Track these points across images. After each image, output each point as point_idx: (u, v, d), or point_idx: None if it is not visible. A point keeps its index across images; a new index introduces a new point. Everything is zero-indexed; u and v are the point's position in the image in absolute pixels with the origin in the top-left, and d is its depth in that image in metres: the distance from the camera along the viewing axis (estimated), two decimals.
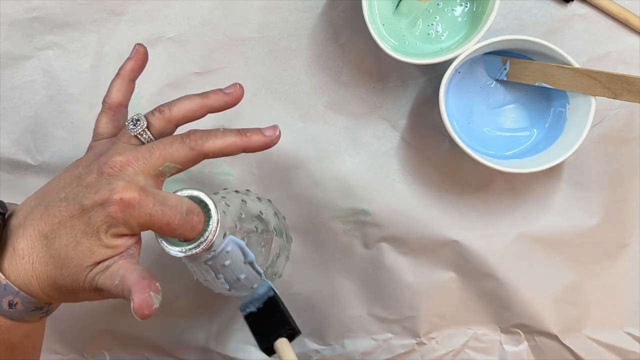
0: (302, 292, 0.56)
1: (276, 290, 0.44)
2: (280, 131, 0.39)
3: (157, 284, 0.34)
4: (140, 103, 0.53)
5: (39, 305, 0.36)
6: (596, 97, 0.47)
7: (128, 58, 0.41)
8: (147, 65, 0.53)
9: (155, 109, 0.38)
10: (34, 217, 0.36)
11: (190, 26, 0.53)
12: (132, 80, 0.41)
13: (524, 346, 0.56)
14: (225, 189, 0.49)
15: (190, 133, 0.37)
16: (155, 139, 0.38)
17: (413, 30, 0.51)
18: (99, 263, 0.36)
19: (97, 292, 0.36)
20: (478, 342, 0.56)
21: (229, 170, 0.54)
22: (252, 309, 0.43)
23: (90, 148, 0.40)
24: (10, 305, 0.35)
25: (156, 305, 0.33)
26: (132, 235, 0.36)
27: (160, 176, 0.37)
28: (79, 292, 0.36)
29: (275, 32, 0.53)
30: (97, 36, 0.53)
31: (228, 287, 0.45)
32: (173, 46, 0.53)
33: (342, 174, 0.54)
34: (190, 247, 0.37)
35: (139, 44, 0.41)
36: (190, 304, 0.57)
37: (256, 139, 0.38)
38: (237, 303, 0.50)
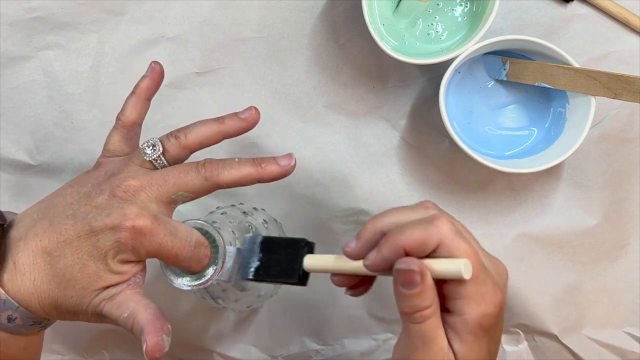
0: (302, 292, 0.56)
1: (261, 234, 0.41)
2: (295, 160, 0.38)
3: (169, 325, 0.35)
4: None
5: (37, 320, 0.36)
6: (596, 97, 0.47)
7: (144, 76, 0.40)
8: (147, 65, 0.53)
9: (171, 134, 0.38)
10: (36, 231, 0.35)
11: (190, 26, 0.53)
12: (148, 99, 0.40)
13: (523, 346, 0.56)
14: (218, 207, 0.49)
15: (206, 163, 0.37)
16: (170, 164, 0.37)
17: (413, 30, 0.51)
18: (105, 288, 0.35)
19: (100, 318, 0.36)
20: None
21: None
22: (255, 264, 0.39)
23: (99, 164, 0.39)
24: (9, 319, 0.35)
25: (166, 349, 0.34)
26: (138, 262, 0.36)
27: (172, 204, 0.37)
28: (80, 314, 0.36)
29: (275, 32, 0.53)
30: (97, 36, 0.53)
31: (224, 307, 0.46)
32: (173, 46, 0.53)
33: (342, 174, 0.54)
34: (194, 283, 0.37)
35: (154, 62, 0.40)
36: (190, 305, 0.57)
37: (271, 170, 0.37)
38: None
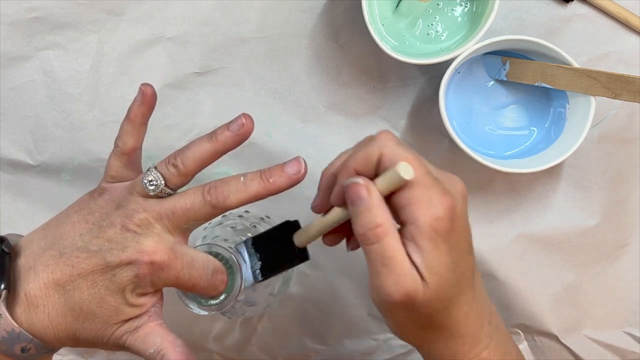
0: (302, 292, 0.56)
1: (249, 236, 0.42)
2: (305, 164, 0.37)
3: None
4: None
5: (51, 347, 0.36)
6: (596, 97, 0.47)
7: (135, 101, 0.38)
8: (147, 66, 0.53)
9: (169, 162, 0.36)
10: (46, 262, 0.35)
11: (190, 26, 0.53)
12: (144, 124, 0.39)
13: (523, 346, 0.56)
14: (224, 215, 0.49)
15: (211, 189, 0.36)
16: (174, 191, 0.37)
17: (413, 30, 0.51)
18: (126, 321, 0.35)
19: (122, 348, 0.36)
20: None
21: (229, 170, 0.54)
22: (258, 266, 0.40)
23: (104, 190, 0.38)
24: (23, 350, 0.34)
25: None
26: (155, 292, 0.36)
27: (185, 232, 0.37)
28: (100, 345, 0.36)
29: (275, 32, 0.53)
30: (97, 36, 0.53)
31: (229, 317, 0.46)
32: (173, 46, 0.53)
33: None
34: (211, 306, 0.38)
35: (144, 85, 0.38)
36: None
37: (281, 182, 0.36)
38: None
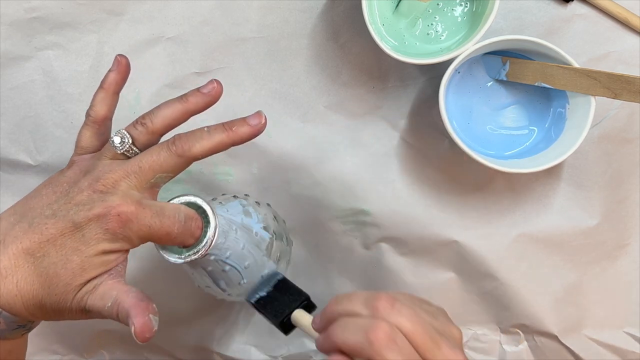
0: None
1: (281, 273, 0.44)
2: (265, 117, 0.38)
3: (154, 305, 0.35)
4: (140, 103, 0.53)
5: (22, 323, 0.36)
6: (596, 97, 0.47)
7: (110, 70, 0.40)
8: (147, 66, 0.53)
9: (137, 121, 0.37)
10: (15, 234, 0.35)
11: (190, 26, 0.53)
12: (117, 93, 0.40)
13: (523, 346, 0.56)
14: (223, 194, 0.49)
15: (175, 139, 0.37)
16: (141, 152, 0.37)
17: (413, 30, 0.51)
18: (87, 282, 0.35)
19: (85, 313, 0.36)
20: (478, 342, 0.56)
21: (229, 170, 0.54)
22: (262, 293, 0.43)
23: (72, 162, 0.39)
24: None
25: (155, 328, 0.34)
26: (125, 251, 0.36)
27: (154, 187, 0.37)
28: (65, 312, 0.35)
29: (275, 32, 0.53)
30: (97, 36, 0.53)
31: (229, 293, 0.45)
32: (173, 46, 0.53)
33: (342, 174, 0.54)
34: (189, 253, 0.37)
35: (119, 55, 0.40)
36: (190, 305, 0.57)
37: (243, 132, 0.38)
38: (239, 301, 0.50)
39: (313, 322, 0.38)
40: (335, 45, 0.53)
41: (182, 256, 0.37)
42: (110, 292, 0.35)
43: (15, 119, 0.54)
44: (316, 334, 0.37)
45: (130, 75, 0.54)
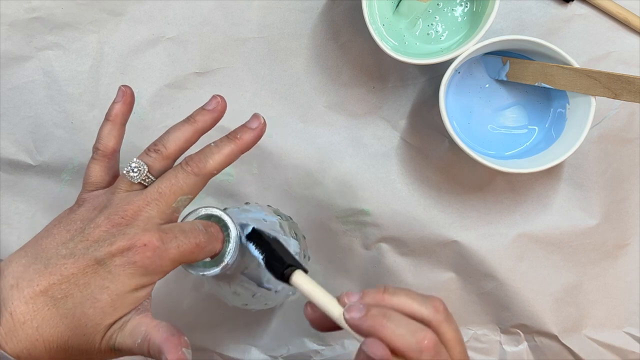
0: None
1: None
2: (263, 117, 0.39)
3: (185, 338, 0.34)
4: (140, 103, 0.53)
5: None
6: (596, 97, 0.47)
7: (115, 102, 0.39)
8: (147, 66, 0.53)
9: (149, 149, 0.37)
10: (30, 277, 0.33)
11: (190, 26, 0.53)
12: (123, 125, 0.39)
13: (523, 346, 0.56)
14: (247, 202, 0.50)
15: (188, 160, 0.37)
16: (157, 179, 0.37)
17: (413, 30, 0.51)
18: (118, 320, 0.34)
19: (114, 352, 0.35)
20: (478, 342, 0.56)
21: (229, 170, 0.54)
22: (258, 239, 0.40)
23: (83, 200, 0.37)
24: None
25: None
26: (151, 284, 0.35)
27: (174, 213, 0.37)
28: (93, 352, 0.34)
29: (275, 32, 0.53)
30: (97, 36, 0.53)
31: (247, 304, 0.45)
32: (173, 46, 0.53)
33: (342, 174, 0.54)
34: (224, 257, 0.37)
35: (124, 86, 0.39)
36: (190, 305, 0.57)
37: (248, 137, 0.38)
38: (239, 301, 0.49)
39: (346, 296, 0.35)
40: (335, 45, 0.53)
41: (215, 270, 0.37)
42: (139, 327, 0.34)
43: (15, 119, 0.54)
44: (321, 303, 0.35)
45: (130, 75, 0.54)
